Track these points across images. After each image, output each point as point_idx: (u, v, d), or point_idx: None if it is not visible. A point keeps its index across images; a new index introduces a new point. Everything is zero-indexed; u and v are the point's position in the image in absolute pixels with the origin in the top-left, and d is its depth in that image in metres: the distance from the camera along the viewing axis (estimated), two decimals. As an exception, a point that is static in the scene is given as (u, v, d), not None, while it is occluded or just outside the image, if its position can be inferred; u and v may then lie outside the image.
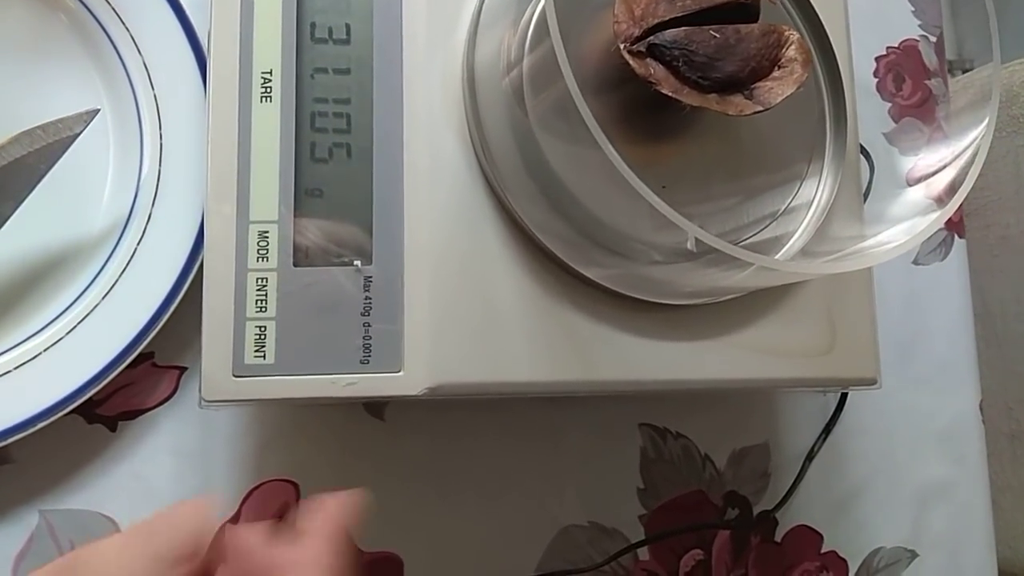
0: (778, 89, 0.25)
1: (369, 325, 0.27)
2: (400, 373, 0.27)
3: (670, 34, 0.25)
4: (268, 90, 0.29)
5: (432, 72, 0.29)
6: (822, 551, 0.40)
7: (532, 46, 0.27)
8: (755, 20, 0.26)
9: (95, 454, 0.32)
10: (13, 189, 0.29)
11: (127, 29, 0.32)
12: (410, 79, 0.29)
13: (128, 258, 0.31)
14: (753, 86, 0.25)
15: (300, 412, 0.34)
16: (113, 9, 0.32)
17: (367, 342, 0.27)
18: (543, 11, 0.26)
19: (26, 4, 0.32)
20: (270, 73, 0.29)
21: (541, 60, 0.26)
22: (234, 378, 0.27)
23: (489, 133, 0.28)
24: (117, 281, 0.31)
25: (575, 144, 0.25)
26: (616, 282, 0.28)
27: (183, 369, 0.33)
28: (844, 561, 0.40)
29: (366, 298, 0.28)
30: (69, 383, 0.30)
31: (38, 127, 0.29)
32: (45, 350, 0.30)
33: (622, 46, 0.25)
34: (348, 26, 0.29)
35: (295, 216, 0.28)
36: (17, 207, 0.29)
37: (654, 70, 0.25)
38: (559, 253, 0.28)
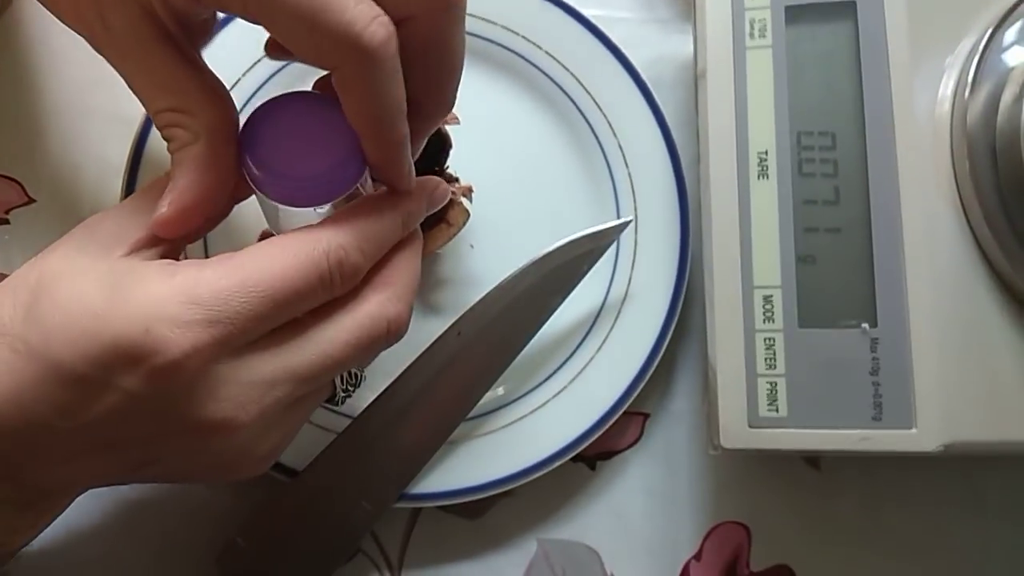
0: None
1: (879, 384, 0.29)
2: (913, 430, 0.29)
3: None
4: (764, 168, 0.32)
5: (923, 137, 0.31)
6: None
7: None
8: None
9: (578, 490, 0.36)
10: (562, 285, 0.34)
11: (616, 138, 0.37)
12: (903, 146, 0.30)
13: (607, 333, 0.36)
14: None
15: (750, 459, 0.36)
16: (611, 129, 0.37)
17: (878, 400, 0.29)
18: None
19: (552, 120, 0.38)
20: (765, 153, 0.32)
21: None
22: (750, 429, 0.30)
23: (984, 200, 0.30)
24: (601, 348, 0.36)
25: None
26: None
27: (646, 416, 0.37)
28: None
29: (873, 358, 0.30)
30: (571, 432, 0.34)
31: (585, 235, 0.34)
32: (547, 401, 0.35)
33: None
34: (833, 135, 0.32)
35: (796, 280, 0.31)
36: (563, 300, 0.34)
37: None
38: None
